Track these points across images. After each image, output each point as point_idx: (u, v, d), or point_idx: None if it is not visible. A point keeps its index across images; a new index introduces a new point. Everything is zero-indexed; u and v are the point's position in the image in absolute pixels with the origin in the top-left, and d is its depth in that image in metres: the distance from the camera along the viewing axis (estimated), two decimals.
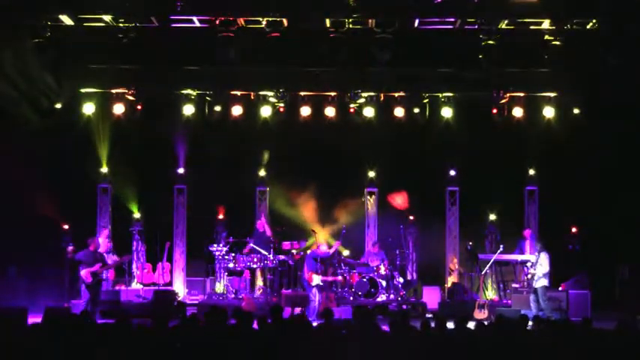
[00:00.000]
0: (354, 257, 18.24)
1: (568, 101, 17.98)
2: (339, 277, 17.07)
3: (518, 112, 18.02)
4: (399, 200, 19.17)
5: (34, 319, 11.01)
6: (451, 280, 18.99)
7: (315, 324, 9.98)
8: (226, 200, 19.09)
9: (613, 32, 14.74)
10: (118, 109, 17.94)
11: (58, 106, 17.51)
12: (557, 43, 15.16)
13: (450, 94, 18.08)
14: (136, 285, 18.26)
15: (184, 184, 19.59)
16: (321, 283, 16.11)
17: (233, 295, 17.29)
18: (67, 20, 15.43)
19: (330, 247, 16.90)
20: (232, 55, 15.17)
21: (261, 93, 18.23)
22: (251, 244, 17.60)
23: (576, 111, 17.91)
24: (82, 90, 18.04)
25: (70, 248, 14.82)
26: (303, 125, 18.35)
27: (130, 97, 17.85)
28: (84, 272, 14.53)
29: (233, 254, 17.51)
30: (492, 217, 19.18)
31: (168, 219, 19.35)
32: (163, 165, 19.15)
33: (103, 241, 17.63)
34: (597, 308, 16.24)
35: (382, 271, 17.42)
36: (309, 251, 16.93)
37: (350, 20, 15.17)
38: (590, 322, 9.90)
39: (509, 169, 18.76)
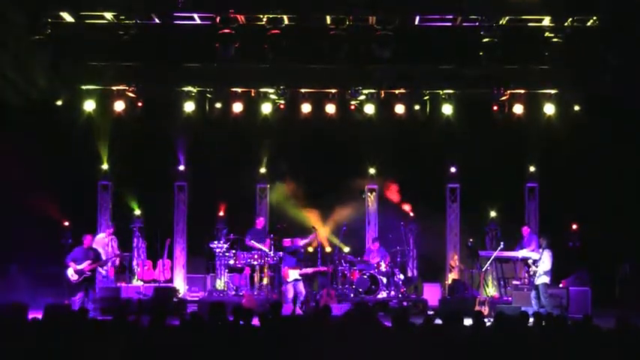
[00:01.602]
0: (355, 254, 18.25)
1: (568, 98, 17.97)
2: (322, 267, 17.00)
3: (518, 109, 18.03)
4: (394, 193, 19.16)
5: (34, 316, 11.00)
6: (452, 277, 19.00)
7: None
8: (227, 197, 19.09)
9: (613, 29, 14.74)
10: (119, 106, 17.95)
11: (59, 103, 17.52)
12: (558, 40, 15.17)
13: (451, 91, 18.07)
14: (136, 282, 18.28)
15: (185, 181, 19.60)
16: (299, 277, 16.02)
17: (233, 292, 17.31)
18: (67, 17, 15.43)
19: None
20: (233, 52, 15.18)
21: (261, 90, 18.24)
22: (251, 242, 17.60)
23: (577, 108, 17.90)
24: (83, 87, 18.06)
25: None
26: (304, 122, 18.34)
27: (131, 95, 17.88)
28: (70, 270, 14.58)
29: (233, 251, 17.53)
30: (493, 214, 19.15)
31: (169, 216, 19.36)
32: (164, 162, 19.14)
33: (101, 240, 17.64)
34: (597, 305, 16.19)
35: (383, 268, 17.44)
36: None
37: (350, 17, 15.17)
38: (590, 320, 9.90)
39: (510, 166, 18.76)
